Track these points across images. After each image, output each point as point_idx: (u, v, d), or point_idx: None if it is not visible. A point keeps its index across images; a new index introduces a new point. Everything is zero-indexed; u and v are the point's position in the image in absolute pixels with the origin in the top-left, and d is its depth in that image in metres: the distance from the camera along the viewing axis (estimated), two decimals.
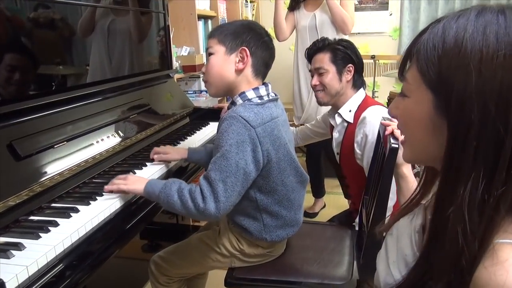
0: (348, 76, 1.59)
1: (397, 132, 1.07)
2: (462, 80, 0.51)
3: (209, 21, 2.80)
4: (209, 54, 1.15)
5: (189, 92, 2.38)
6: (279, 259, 1.26)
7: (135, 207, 1.12)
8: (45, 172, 1.06)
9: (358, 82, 1.61)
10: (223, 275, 1.28)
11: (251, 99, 1.11)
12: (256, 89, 1.12)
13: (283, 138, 1.13)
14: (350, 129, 1.59)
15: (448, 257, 0.52)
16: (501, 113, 0.49)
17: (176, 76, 2.19)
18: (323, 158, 2.59)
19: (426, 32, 0.57)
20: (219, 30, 1.14)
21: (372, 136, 1.46)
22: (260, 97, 1.12)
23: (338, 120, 1.64)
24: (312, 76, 1.66)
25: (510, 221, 0.52)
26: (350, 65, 1.58)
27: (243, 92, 1.12)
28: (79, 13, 1.35)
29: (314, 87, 1.65)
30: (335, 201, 2.73)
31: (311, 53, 1.64)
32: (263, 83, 1.16)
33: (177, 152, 1.34)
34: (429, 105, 0.56)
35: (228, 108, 1.17)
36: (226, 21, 3.15)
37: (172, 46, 2.03)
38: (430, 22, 0.59)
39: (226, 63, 1.12)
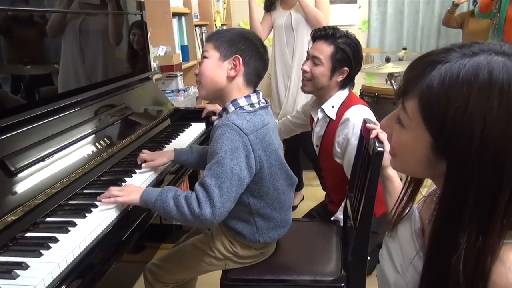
0: (339, 77, 1.58)
1: (382, 136, 1.13)
2: (466, 141, 0.54)
3: (183, 18, 2.78)
4: (203, 57, 1.17)
5: (167, 91, 2.37)
6: (272, 259, 1.30)
7: (130, 216, 1.14)
8: (38, 186, 1.05)
9: (346, 83, 1.62)
10: (216, 276, 1.32)
11: (243, 106, 1.14)
12: (247, 96, 1.15)
13: (274, 144, 1.16)
14: (332, 125, 1.62)
15: None
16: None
17: (154, 76, 2.18)
18: (301, 151, 2.65)
19: (433, 68, 0.57)
20: (216, 36, 1.16)
21: (355, 139, 1.50)
22: (252, 105, 1.15)
23: (320, 115, 1.66)
24: (307, 59, 1.64)
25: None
26: (346, 68, 1.57)
27: (235, 100, 1.14)
28: (54, 20, 1.32)
29: (303, 72, 1.63)
30: (313, 193, 2.81)
31: (317, 36, 1.60)
32: (254, 91, 1.19)
33: (164, 155, 1.35)
34: (427, 145, 0.59)
35: (220, 115, 1.19)
36: (199, 17, 3.13)
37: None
38: (435, 52, 0.60)
39: (218, 69, 1.14)
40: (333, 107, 1.62)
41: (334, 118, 1.61)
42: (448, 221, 0.58)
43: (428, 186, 0.84)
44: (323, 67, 1.57)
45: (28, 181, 1.04)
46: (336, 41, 1.56)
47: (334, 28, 1.59)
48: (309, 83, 1.63)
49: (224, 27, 3.79)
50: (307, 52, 1.66)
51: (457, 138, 0.55)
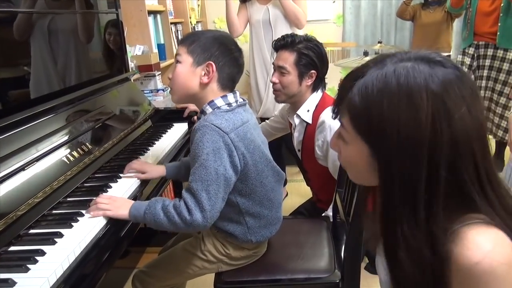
0: (309, 81, 1.59)
1: None
2: (388, 143, 0.60)
3: (158, 16, 2.72)
4: (176, 61, 1.14)
5: (145, 91, 2.31)
6: (264, 258, 1.29)
7: (119, 223, 1.10)
8: (20, 197, 1.00)
9: (317, 85, 1.62)
10: (208, 278, 1.30)
11: (220, 106, 1.12)
12: (224, 97, 1.13)
13: (257, 140, 1.15)
14: (310, 129, 1.63)
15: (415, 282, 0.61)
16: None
17: (132, 77, 2.12)
18: (283, 148, 2.65)
19: (353, 84, 0.62)
20: (191, 39, 1.13)
21: None
22: (229, 104, 1.13)
23: (297, 120, 1.66)
24: (274, 70, 1.64)
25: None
26: (313, 71, 1.58)
27: (212, 101, 1.12)
28: (20, 20, 1.25)
29: (273, 84, 1.64)
30: (297, 189, 2.82)
31: (278, 46, 1.61)
32: (231, 91, 1.17)
33: (155, 171, 1.31)
34: (367, 154, 0.63)
35: (198, 118, 1.17)
36: (174, 14, 3.07)
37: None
38: (357, 68, 0.65)
39: (191, 75, 1.12)
40: (308, 111, 1.62)
41: (310, 122, 1.62)
42: (386, 215, 0.64)
43: None
44: (291, 76, 1.58)
45: (8, 192, 0.99)
46: (296, 47, 1.57)
47: (293, 35, 1.60)
48: (281, 93, 1.63)
49: (199, 24, 3.74)
50: (273, 63, 1.67)
51: (382, 142, 0.60)
